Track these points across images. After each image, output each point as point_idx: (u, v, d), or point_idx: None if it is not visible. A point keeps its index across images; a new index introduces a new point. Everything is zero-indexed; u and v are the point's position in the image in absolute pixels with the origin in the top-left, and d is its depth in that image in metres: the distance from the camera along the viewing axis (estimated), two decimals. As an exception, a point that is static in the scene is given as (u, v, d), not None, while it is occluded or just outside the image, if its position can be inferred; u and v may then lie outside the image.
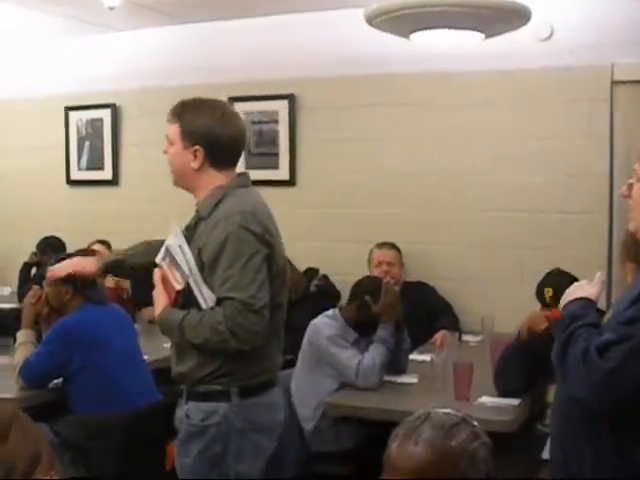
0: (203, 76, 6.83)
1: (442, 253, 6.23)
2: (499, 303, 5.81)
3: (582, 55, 5.75)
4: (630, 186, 2.53)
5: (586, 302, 2.59)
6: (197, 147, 3.15)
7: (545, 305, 4.52)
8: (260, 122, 6.70)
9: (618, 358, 2.32)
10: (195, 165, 3.16)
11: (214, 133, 3.15)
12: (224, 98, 6.78)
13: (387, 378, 4.43)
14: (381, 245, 6.00)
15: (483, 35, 5.03)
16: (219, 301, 3.01)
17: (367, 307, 4.47)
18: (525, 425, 4.20)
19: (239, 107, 6.68)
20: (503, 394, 4.09)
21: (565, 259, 5.59)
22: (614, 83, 5.73)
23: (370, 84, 6.36)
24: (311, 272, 6.33)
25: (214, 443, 3.12)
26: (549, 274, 4.68)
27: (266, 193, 5.88)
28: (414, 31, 5.06)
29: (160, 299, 3.15)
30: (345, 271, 5.97)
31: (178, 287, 3.11)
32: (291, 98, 6.54)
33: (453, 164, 6.16)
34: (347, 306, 4.63)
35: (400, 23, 5.03)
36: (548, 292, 4.53)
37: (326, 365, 4.42)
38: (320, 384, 4.41)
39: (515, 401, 4.04)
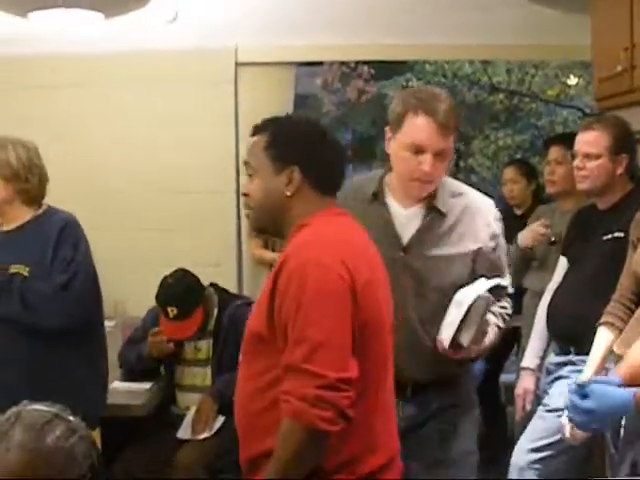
0: None
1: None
2: (131, 287, 5.55)
3: (207, 37, 5.74)
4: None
5: None
6: None
7: None
8: None
9: None
10: None
11: None
12: None
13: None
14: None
15: (103, 15, 4.92)
16: None
17: None
18: (160, 407, 4.25)
19: None
20: None
21: (198, 239, 5.67)
22: (238, 65, 5.81)
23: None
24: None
25: None
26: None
27: None
28: (32, 10, 4.85)
29: None
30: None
31: None
32: None
33: (80, 148, 5.92)
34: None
35: (17, 0, 4.83)
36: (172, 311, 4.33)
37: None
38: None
39: (147, 385, 4.07)
